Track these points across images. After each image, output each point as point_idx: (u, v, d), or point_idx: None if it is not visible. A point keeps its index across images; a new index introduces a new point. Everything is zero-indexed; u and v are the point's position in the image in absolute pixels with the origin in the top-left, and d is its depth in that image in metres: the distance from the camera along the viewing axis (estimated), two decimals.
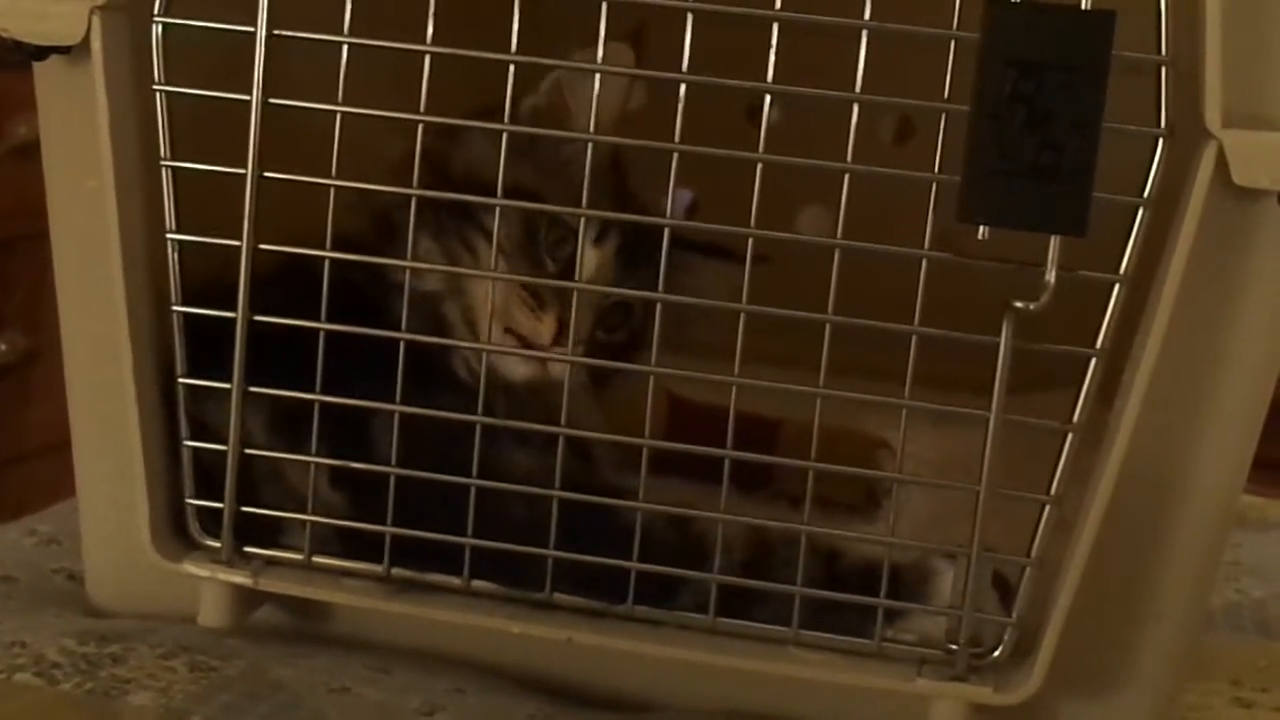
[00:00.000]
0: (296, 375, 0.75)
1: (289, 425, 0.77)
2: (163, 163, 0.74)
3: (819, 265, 0.71)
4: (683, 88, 0.71)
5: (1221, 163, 0.68)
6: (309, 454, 0.76)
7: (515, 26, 0.71)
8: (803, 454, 0.74)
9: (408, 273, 0.77)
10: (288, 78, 0.73)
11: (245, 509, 0.77)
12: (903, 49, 0.68)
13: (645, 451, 0.74)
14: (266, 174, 0.73)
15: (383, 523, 0.76)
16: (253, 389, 0.75)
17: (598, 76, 0.73)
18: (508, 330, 0.80)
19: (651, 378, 0.75)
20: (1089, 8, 0.66)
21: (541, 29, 0.72)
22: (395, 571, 0.77)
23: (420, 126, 0.73)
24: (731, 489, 0.75)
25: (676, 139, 0.71)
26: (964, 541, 0.72)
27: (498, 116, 0.74)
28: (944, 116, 0.69)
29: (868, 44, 0.69)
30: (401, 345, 0.75)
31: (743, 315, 0.72)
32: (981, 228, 0.67)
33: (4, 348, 1.72)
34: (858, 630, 0.75)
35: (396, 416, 0.75)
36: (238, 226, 0.74)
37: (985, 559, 0.72)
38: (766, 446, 0.81)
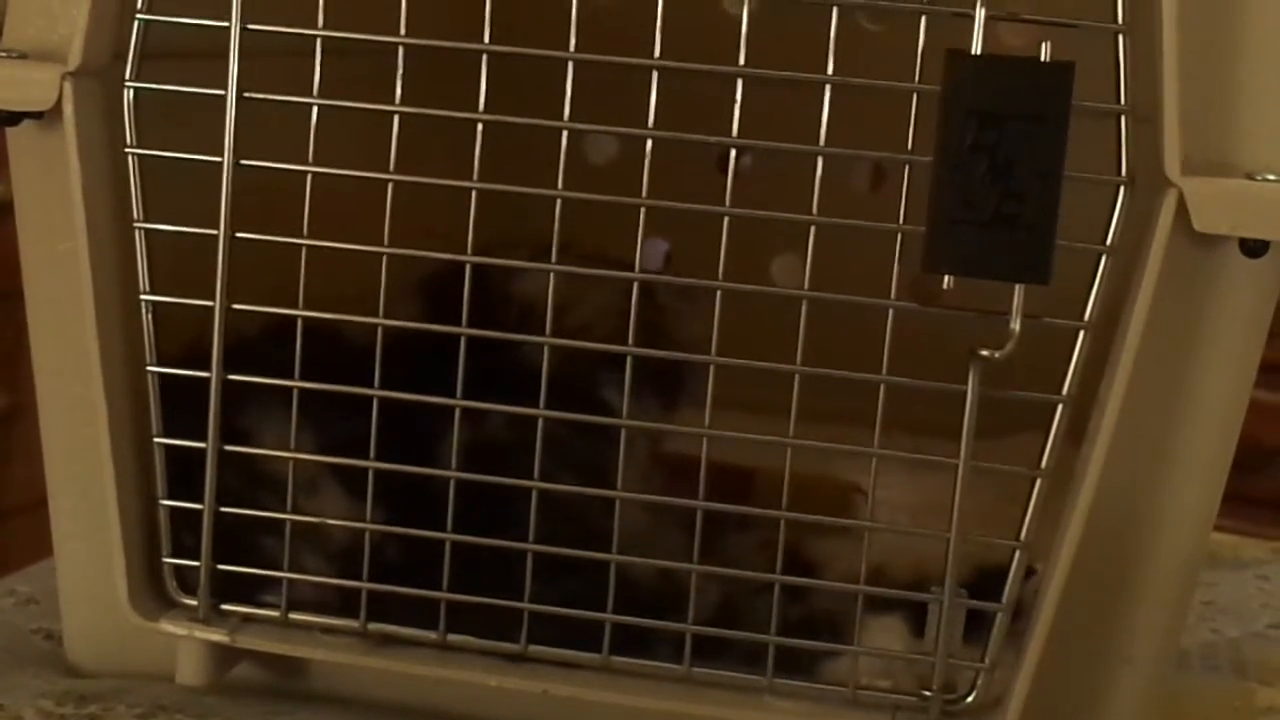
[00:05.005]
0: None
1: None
2: (135, 224, 0.75)
3: (791, 313, 0.72)
4: (649, 143, 0.72)
5: (1182, 210, 0.68)
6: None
7: (483, 84, 0.72)
8: (776, 502, 0.74)
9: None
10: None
11: (221, 566, 0.77)
12: (875, 97, 0.69)
13: (618, 504, 0.75)
14: (239, 234, 0.74)
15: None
16: (227, 448, 0.76)
17: None
18: None
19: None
20: (1048, 59, 0.67)
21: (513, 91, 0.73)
22: (372, 626, 0.77)
23: (390, 186, 0.74)
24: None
25: (644, 193, 0.72)
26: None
27: None
28: (908, 167, 0.70)
29: (838, 95, 0.70)
30: (375, 403, 0.75)
31: (711, 367, 0.73)
32: (946, 277, 0.68)
33: None
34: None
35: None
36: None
37: (958, 604, 0.73)
38: (742, 495, 0.81)
